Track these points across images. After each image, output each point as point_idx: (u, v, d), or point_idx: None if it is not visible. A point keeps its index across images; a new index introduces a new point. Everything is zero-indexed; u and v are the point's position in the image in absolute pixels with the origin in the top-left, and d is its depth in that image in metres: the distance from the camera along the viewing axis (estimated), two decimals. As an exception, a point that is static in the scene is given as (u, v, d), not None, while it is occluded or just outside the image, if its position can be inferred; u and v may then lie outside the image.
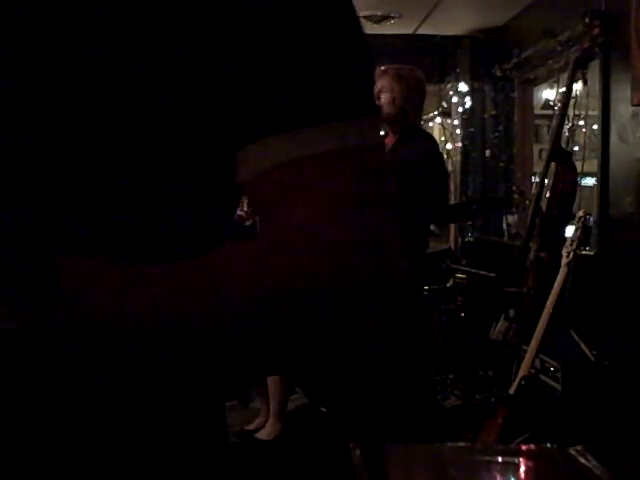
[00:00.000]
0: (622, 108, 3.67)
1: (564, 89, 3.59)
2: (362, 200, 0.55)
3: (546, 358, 2.92)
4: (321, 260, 0.54)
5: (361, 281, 0.54)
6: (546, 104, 6.09)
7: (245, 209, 3.15)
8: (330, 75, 0.55)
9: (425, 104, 3.61)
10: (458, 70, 5.90)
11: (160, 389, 0.58)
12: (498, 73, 5.51)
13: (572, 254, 2.77)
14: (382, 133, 3.53)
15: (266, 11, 0.54)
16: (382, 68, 3.31)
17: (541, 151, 6.12)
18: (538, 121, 6.96)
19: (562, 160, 3.41)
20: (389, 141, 3.36)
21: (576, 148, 4.33)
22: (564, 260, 2.79)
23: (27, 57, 0.53)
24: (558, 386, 2.81)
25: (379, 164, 0.57)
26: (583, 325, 3.10)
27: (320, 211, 0.54)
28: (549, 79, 5.13)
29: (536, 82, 5.42)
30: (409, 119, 3.28)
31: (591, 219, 3.58)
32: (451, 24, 5.57)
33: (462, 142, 5.93)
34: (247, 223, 3.34)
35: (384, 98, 3.23)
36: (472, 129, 5.88)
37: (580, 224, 2.82)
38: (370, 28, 5.50)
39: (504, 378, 3.09)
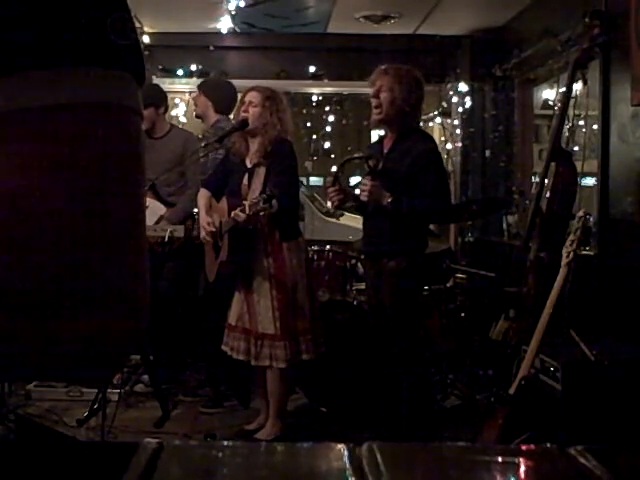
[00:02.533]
0: (622, 108, 3.67)
1: (564, 89, 3.60)
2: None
3: (546, 358, 2.92)
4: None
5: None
6: (546, 104, 6.10)
7: (248, 211, 3.15)
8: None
9: (425, 104, 3.61)
10: (458, 70, 5.91)
11: None
12: (498, 73, 5.52)
13: (572, 254, 2.77)
14: (382, 133, 3.53)
15: None
16: (383, 67, 3.31)
17: (541, 151, 6.13)
18: (538, 121, 6.97)
19: (562, 160, 3.41)
20: (388, 141, 3.36)
21: (576, 148, 4.33)
22: (564, 260, 2.79)
23: None
24: (558, 386, 2.81)
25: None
26: (583, 325, 3.10)
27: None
28: (549, 79, 5.13)
29: (536, 82, 5.42)
30: (408, 120, 3.28)
31: (591, 219, 3.58)
32: (451, 24, 5.57)
33: (462, 142, 5.93)
34: (250, 227, 3.35)
35: (384, 97, 3.23)
36: (472, 129, 5.88)
37: (580, 224, 2.82)
38: (370, 28, 5.51)
39: (504, 378, 3.08)
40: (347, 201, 3.43)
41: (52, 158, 0.48)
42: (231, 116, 4.48)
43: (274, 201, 3.14)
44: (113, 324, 0.51)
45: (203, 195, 3.66)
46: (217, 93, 4.44)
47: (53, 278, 0.49)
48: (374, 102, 3.26)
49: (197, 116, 4.53)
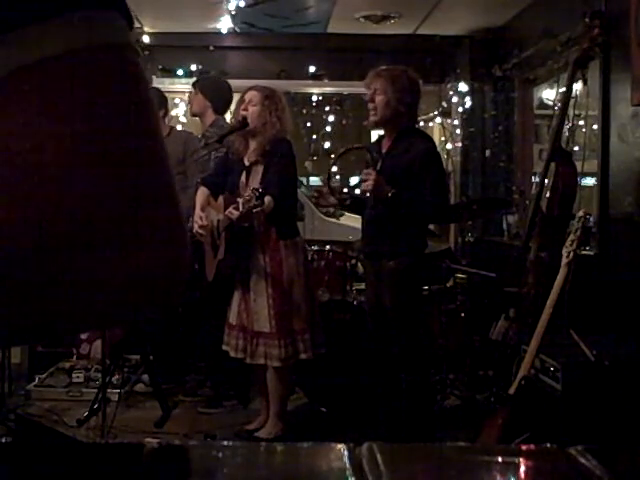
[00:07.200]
0: (622, 108, 3.67)
1: (564, 89, 3.60)
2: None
3: (546, 358, 2.92)
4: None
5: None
6: (545, 104, 6.09)
7: (241, 208, 3.15)
8: None
9: (425, 104, 3.62)
10: (458, 70, 5.91)
11: None
12: (498, 73, 5.52)
13: (572, 254, 2.77)
14: (381, 133, 3.53)
15: None
16: (376, 70, 3.33)
17: (541, 151, 6.12)
18: (538, 121, 6.96)
19: (562, 160, 3.41)
20: (386, 142, 3.36)
21: (576, 148, 4.33)
22: (564, 260, 2.78)
23: None
24: (558, 386, 2.81)
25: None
26: (583, 325, 3.10)
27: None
28: (549, 79, 5.13)
29: (536, 82, 5.42)
30: (405, 120, 3.29)
31: (591, 219, 3.58)
32: (451, 24, 5.58)
33: (462, 142, 5.93)
34: (245, 224, 3.35)
35: (378, 100, 3.25)
36: (472, 129, 5.88)
37: (580, 224, 2.82)
38: (370, 28, 5.51)
39: (504, 378, 3.08)
40: (336, 193, 3.48)
41: (57, 109, 0.47)
42: (227, 116, 4.48)
43: (267, 198, 3.14)
44: (156, 255, 0.50)
45: (201, 193, 3.67)
46: (216, 94, 4.42)
47: (85, 219, 0.48)
48: (370, 105, 3.29)
49: (194, 114, 4.52)
